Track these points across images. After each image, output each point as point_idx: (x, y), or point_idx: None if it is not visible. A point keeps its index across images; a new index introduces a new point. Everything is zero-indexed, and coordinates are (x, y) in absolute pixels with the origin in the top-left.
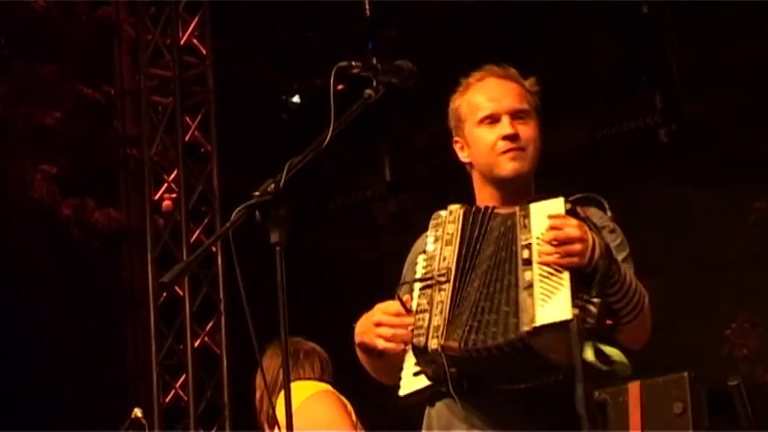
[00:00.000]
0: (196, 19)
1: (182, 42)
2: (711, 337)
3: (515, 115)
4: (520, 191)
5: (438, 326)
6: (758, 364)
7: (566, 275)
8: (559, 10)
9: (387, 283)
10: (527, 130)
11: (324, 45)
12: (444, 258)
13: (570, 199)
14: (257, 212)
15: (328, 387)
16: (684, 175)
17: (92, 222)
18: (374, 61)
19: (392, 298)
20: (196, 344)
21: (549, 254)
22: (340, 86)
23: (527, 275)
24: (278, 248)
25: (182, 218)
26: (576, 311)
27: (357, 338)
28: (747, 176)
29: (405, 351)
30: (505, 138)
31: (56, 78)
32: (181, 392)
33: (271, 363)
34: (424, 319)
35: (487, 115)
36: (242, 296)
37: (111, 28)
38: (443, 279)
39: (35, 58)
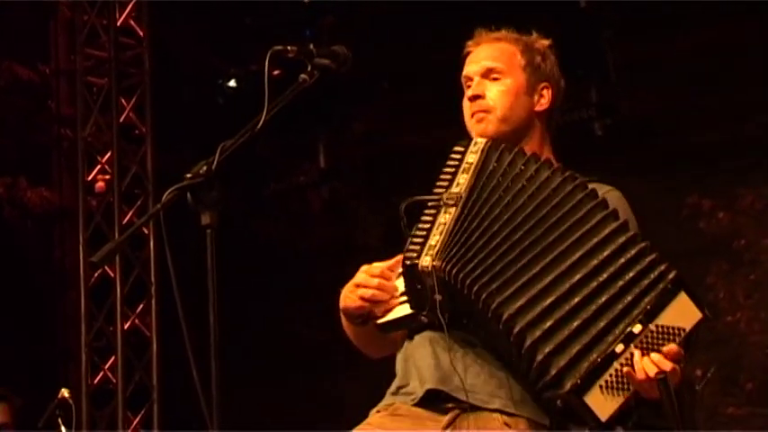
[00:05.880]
0: (133, 1)
1: (118, 23)
2: None
3: (487, 75)
4: None
5: (434, 245)
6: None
7: (632, 389)
8: (496, 2)
9: (318, 269)
10: (494, 90)
11: (262, 31)
12: (458, 185)
13: (707, 313)
14: (189, 195)
15: None
16: (618, 170)
17: (24, 201)
18: (310, 46)
19: (322, 287)
20: (126, 326)
21: (649, 365)
22: (276, 72)
23: (618, 347)
24: (209, 231)
25: (115, 199)
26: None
27: (341, 304)
28: (681, 171)
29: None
30: (469, 99)
31: None
32: (109, 374)
33: None
34: (422, 237)
35: (465, 77)
36: (172, 279)
37: (47, 8)
38: (451, 203)
39: None
